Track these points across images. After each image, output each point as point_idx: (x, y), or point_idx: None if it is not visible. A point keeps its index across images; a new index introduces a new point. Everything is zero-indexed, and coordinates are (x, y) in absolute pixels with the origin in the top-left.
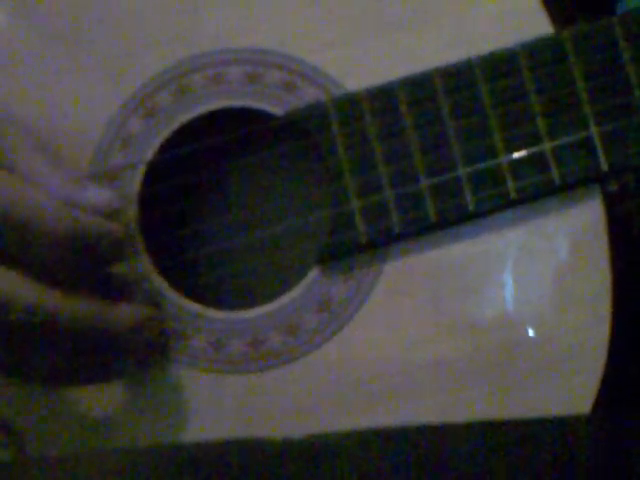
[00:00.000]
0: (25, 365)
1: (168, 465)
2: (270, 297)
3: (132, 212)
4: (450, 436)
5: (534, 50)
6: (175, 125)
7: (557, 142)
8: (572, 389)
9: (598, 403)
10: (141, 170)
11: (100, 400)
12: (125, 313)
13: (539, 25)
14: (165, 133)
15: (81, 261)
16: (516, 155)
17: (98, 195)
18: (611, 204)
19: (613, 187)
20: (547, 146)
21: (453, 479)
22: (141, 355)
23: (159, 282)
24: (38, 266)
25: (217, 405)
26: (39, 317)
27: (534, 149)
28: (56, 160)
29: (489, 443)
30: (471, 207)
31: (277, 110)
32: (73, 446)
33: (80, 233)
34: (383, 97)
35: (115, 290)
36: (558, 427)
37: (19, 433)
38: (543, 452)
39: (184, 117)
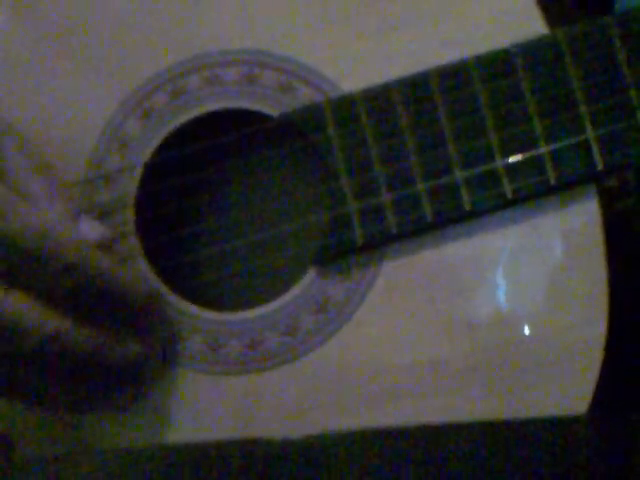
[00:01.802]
0: (28, 388)
1: (168, 465)
2: (268, 298)
3: (130, 213)
4: (450, 436)
5: (530, 50)
6: (172, 127)
7: (553, 143)
8: (569, 387)
9: (596, 402)
10: (138, 172)
11: None
12: (131, 348)
13: (535, 25)
14: (162, 135)
15: (96, 298)
16: (512, 156)
17: (91, 230)
18: (611, 200)
19: (613, 183)
20: (543, 147)
21: (453, 479)
22: (138, 386)
23: (156, 283)
24: (54, 296)
25: (215, 406)
26: (53, 347)
27: (530, 150)
28: (54, 183)
29: (489, 443)
30: (467, 207)
31: (273, 111)
32: (71, 446)
33: (102, 276)
34: (379, 98)
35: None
36: (558, 427)
37: (6, 437)
38: (543, 452)
39: (181, 119)
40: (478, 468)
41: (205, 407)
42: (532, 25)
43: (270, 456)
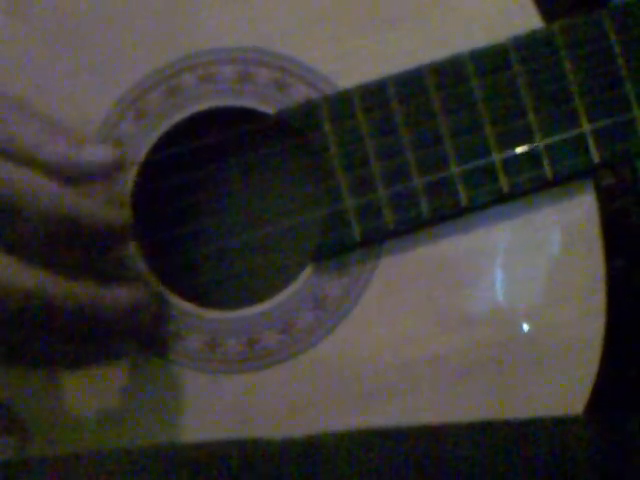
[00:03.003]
0: (24, 350)
1: (168, 465)
2: (265, 296)
3: (125, 213)
4: (450, 436)
5: (525, 44)
6: (166, 126)
7: (549, 138)
8: (568, 383)
9: (595, 402)
10: (134, 171)
11: (97, 400)
12: (121, 294)
13: (530, 20)
14: (156, 134)
15: (76, 244)
16: (508, 151)
17: (97, 152)
18: (608, 198)
19: (609, 181)
20: (539, 142)
21: (453, 479)
22: (138, 336)
23: (153, 282)
24: (32, 250)
25: (214, 405)
26: (37, 302)
27: (526, 145)
28: (52, 125)
29: (489, 443)
30: (464, 202)
31: (269, 109)
32: (72, 446)
33: (74, 214)
34: (375, 94)
35: (110, 273)
36: (558, 427)
37: (21, 420)
38: (543, 452)
39: (175, 118)
40: (478, 468)
41: (204, 405)
42: (527, 20)
43: (270, 456)
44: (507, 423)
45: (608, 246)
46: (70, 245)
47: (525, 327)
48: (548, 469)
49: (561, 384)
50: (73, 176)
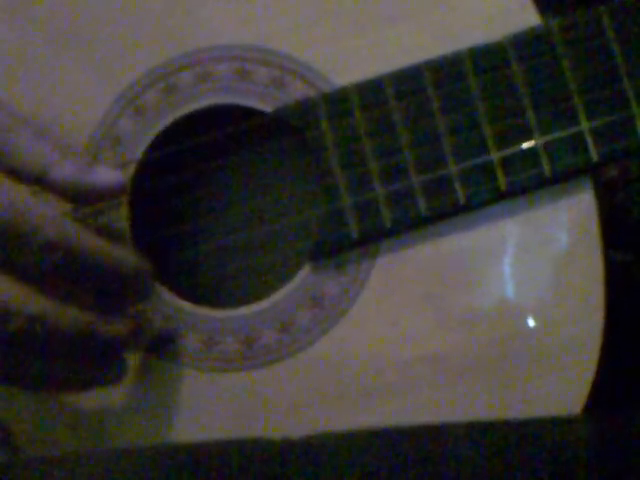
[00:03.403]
0: (21, 372)
1: (168, 465)
2: (263, 295)
3: (124, 211)
4: (450, 436)
5: (523, 42)
6: (164, 124)
7: (548, 136)
8: (567, 380)
9: (594, 398)
10: (132, 169)
11: (96, 400)
12: (118, 324)
13: (528, 17)
14: (154, 132)
15: (81, 279)
16: (507, 149)
17: (108, 175)
18: (608, 193)
19: (613, 173)
20: (538, 139)
21: (453, 479)
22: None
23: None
24: (35, 278)
25: (213, 403)
26: (39, 327)
27: (525, 143)
28: (62, 144)
29: (489, 443)
30: (462, 201)
31: (266, 107)
32: (71, 446)
33: (79, 248)
34: (372, 92)
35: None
36: (558, 427)
37: (11, 432)
38: (543, 452)
39: (173, 115)
40: (478, 468)
41: (203, 404)
42: (526, 18)
43: (270, 456)
44: (507, 423)
45: (608, 242)
46: (75, 278)
47: (524, 325)
48: (548, 469)
49: (561, 381)
50: (80, 198)
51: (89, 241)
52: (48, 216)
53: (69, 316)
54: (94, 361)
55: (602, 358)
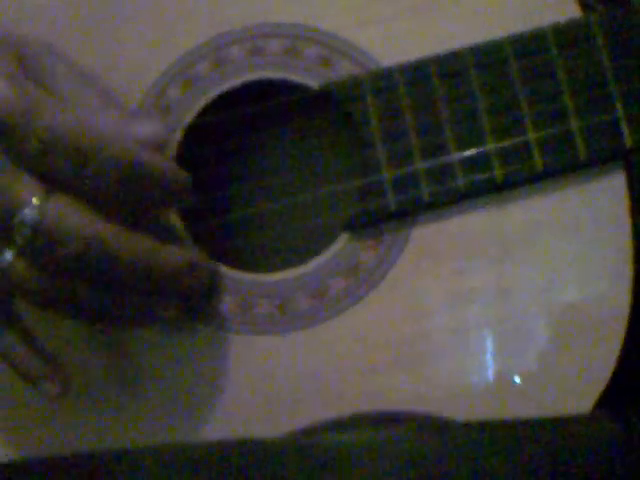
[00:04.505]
0: (71, 298)
1: (168, 465)
2: (299, 261)
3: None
4: (450, 436)
5: (563, 31)
6: (213, 94)
7: (584, 120)
8: (593, 358)
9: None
10: (179, 134)
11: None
12: (176, 254)
13: (567, 9)
14: (202, 102)
15: (140, 196)
16: (544, 131)
17: (151, 127)
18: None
19: None
20: (574, 123)
21: (453, 479)
22: (186, 301)
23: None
24: (97, 198)
25: (243, 366)
26: (95, 250)
27: (562, 126)
28: (106, 94)
29: (489, 443)
30: (499, 179)
31: (313, 83)
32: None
33: (142, 162)
34: (416, 71)
35: (165, 234)
36: (558, 427)
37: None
38: (543, 452)
39: (222, 87)
40: (478, 468)
41: (233, 366)
42: (565, 8)
43: (270, 456)
44: (507, 423)
45: (638, 227)
46: (136, 195)
47: (552, 303)
48: (548, 469)
49: (585, 359)
50: None
51: (153, 159)
52: (114, 132)
53: (128, 242)
54: (142, 296)
55: (627, 337)
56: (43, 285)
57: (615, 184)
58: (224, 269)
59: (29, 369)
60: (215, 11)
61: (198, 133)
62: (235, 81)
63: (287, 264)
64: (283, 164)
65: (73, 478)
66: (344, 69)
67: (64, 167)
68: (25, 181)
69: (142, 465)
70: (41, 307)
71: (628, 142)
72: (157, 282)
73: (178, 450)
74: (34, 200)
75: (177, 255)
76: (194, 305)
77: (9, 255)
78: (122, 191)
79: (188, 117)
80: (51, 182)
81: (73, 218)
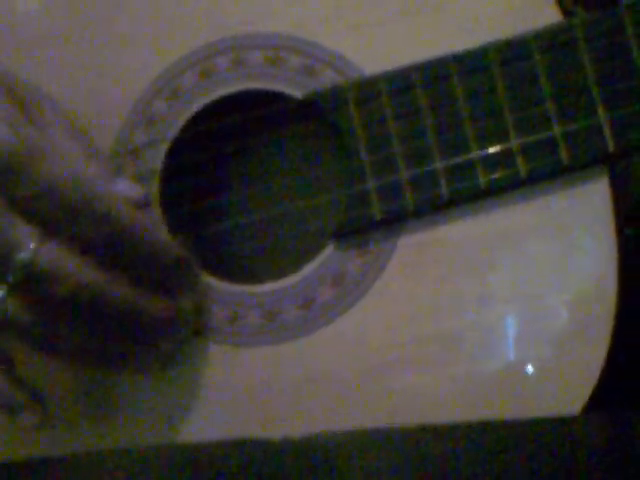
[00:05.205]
0: (58, 339)
1: (168, 465)
2: (287, 272)
3: (154, 187)
4: (450, 436)
5: (545, 36)
6: (197, 106)
7: (566, 125)
8: (580, 360)
9: (595, 400)
10: (165, 147)
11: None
12: (160, 304)
13: (550, 13)
14: (188, 114)
15: (127, 250)
16: (526, 137)
17: (129, 189)
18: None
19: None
20: (557, 129)
21: (453, 479)
22: (169, 348)
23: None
24: (88, 247)
25: (232, 378)
26: (87, 295)
27: (544, 131)
28: (89, 148)
29: (489, 443)
30: (483, 186)
31: (296, 93)
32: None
33: (131, 225)
34: (399, 79)
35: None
36: (558, 427)
37: (41, 397)
38: (543, 452)
39: (206, 99)
40: (478, 468)
41: (222, 378)
42: (547, 13)
43: (270, 456)
44: (507, 423)
45: (621, 230)
46: (123, 248)
47: (537, 308)
48: (548, 469)
49: (574, 362)
50: None
51: (140, 220)
52: (104, 190)
53: (117, 290)
54: (133, 343)
55: (612, 341)
56: (32, 323)
57: (598, 188)
58: (211, 280)
59: (8, 399)
60: (201, 22)
61: (183, 145)
62: (219, 93)
63: (274, 274)
64: (268, 174)
65: (73, 478)
66: (328, 78)
67: (57, 215)
68: (22, 225)
69: (142, 465)
70: (30, 346)
71: (611, 147)
72: (140, 331)
73: (178, 450)
74: (31, 245)
75: (160, 305)
76: (172, 351)
77: (1, 292)
78: (110, 244)
79: (173, 130)
80: (45, 227)
81: (65, 264)
